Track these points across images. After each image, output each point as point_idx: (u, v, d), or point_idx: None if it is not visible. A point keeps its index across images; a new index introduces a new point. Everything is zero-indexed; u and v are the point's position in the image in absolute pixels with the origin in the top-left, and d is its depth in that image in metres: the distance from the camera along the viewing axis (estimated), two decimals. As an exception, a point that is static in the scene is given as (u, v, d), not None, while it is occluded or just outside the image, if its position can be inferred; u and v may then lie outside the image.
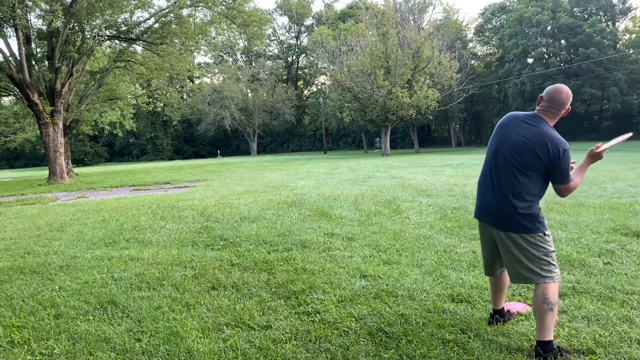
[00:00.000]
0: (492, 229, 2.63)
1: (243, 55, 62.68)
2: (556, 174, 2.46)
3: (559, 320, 2.80)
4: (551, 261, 2.49)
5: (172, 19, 19.28)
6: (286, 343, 2.71)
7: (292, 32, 64.58)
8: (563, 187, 2.49)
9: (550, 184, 2.56)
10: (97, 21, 17.81)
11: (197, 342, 2.75)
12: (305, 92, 65.23)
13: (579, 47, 37.98)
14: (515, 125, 2.56)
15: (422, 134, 50.76)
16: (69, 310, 3.37)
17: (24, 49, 16.29)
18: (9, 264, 4.76)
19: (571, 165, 2.53)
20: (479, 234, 2.88)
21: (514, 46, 42.15)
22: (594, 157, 2.58)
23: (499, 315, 2.85)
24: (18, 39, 16.12)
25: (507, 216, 2.50)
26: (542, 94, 2.59)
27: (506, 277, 2.83)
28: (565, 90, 2.51)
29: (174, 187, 13.16)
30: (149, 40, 19.58)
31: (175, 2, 18.80)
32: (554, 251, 2.53)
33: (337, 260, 4.31)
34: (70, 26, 16.94)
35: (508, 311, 2.92)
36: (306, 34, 62.92)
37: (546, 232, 2.49)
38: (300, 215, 6.70)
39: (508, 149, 2.53)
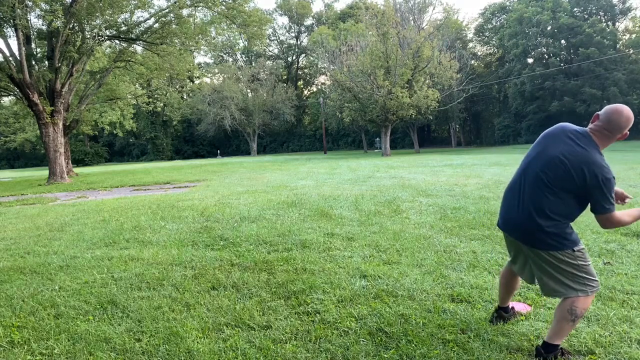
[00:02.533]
0: (518, 241, 2.53)
1: (243, 55, 62.68)
2: (593, 200, 2.27)
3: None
4: (585, 275, 2.36)
5: (172, 19, 19.28)
6: (286, 343, 2.71)
7: (292, 32, 64.63)
8: (601, 216, 2.30)
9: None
10: (97, 21, 17.80)
11: (197, 342, 2.75)
12: (305, 92, 65.24)
13: (579, 47, 38.00)
14: (559, 140, 2.37)
15: (422, 134, 50.80)
16: (69, 310, 3.37)
17: (24, 49, 16.28)
18: (9, 264, 4.75)
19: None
20: (506, 243, 2.77)
21: (514, 46, 42.19)
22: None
23: (503, 312, 2.84)
24: (18, 39, 16.12)
25: (530, 233, 2.39)
26: (599, 112, 2.36)
27: (519, 280, 2.82)
28: (626, 112, 2.27)
29: (174, 187, 13.16)
30: (149, 40, 19.57)
31: (175, 2, 18.79)
32: (587, 264, 2.38)
33: (337, 260, 4.31)
34: (70, 26, 16.93)
35: (512, 308, 2.90)
36: (306, 34, 62.94)
37: (575, 249, 2.35)
38: (300, 215, 6.70)
39: (541, 163, 2.38)
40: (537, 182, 2.39)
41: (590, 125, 2.38)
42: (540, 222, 2.34)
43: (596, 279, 2.42)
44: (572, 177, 2.27)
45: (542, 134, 2.54)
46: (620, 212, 2.33)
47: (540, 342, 2.49)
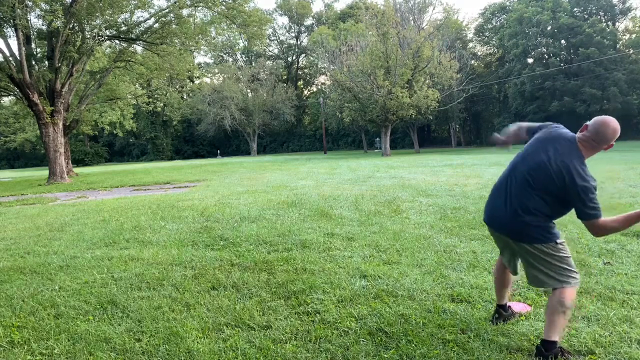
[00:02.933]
0: (504, 236, 2.63)
1: (243, 55, 62.68)
2: (575, 207, 2.37)
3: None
4: (567, 267, 2.47)
5: (172, 19, 19.28)
6: (286, 343, 2.71)
7: (292, 32, 64.63)
8: (586, 223, 2.38)
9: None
10: (97, 21, 17.81)
11: (197, 342, 2.75)
12: (305, 92, 65.23)
13: (579, 47, 37.96)
14: (548, 144, 2.47)
15: (422, 134, 50.76)
16: (69, 310, 3.37)
17: (24, 49, 16.28)
18: (9, 264, 4.75)
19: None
20: (493, 237, 2.88)
21: (514, 46, 42.14)
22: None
23: (502, 310, 2.88)
24: (18, 39, 16.12)
25: (516, 228, 2.51)
26: (588, 122, 2.44)
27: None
28: (613, 125, 2.36)
29: (174, 187, 13.16)
30: (149, 40, 19.57)
31: (175, 2, 18.79)
32: (569, 257, 2.49)
33: (337, 260, 4.31)
34: (70, 26, 16.94)
35: (509, 307, 2.93)
36: (306, 34, 62.94)
37: (558, 241, 2.46)
38: (300, 215, 6.70)
39: (528, 165, 2.49)
40: (523, 184, 2.49)
41: (578, 134, 2.46)
42: (526, 219, 2.45)
43: (577, 271, 2.53)
44: (553, 181, 2.38)
45: (535, 136, 2.61)
46: (605, 219, 2.38)
47: (540, 342, 2.50)
